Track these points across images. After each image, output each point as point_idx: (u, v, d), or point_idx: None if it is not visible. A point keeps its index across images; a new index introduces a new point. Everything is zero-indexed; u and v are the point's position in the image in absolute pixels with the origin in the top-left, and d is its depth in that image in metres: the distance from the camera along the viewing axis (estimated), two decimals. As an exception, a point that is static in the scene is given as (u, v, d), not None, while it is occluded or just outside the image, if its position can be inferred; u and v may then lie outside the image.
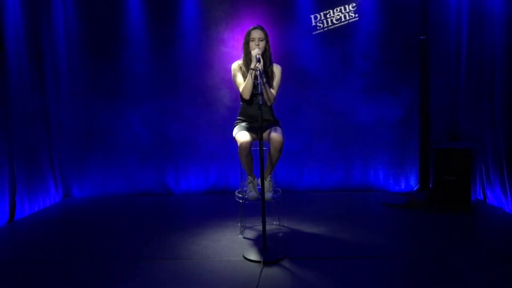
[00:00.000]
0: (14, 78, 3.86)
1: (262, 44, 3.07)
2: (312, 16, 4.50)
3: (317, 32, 4.52)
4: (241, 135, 2.98)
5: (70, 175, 4.67)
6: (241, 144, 2.92)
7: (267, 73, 3.13)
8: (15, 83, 3.87)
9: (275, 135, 2.96)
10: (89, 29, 4.54)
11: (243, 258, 2.73)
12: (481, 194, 4.14)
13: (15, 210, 3.74)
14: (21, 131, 3.95)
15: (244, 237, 3.17)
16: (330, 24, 4.49)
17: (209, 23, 4.57)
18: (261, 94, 2.73)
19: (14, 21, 3.88)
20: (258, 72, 2.84)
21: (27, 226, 3.65)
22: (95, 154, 4.67)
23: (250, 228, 3.39)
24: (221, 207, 4.12)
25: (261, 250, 2.76)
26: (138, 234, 3.32)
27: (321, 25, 4.50)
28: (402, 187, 4.62)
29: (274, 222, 3.39)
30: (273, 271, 2.53)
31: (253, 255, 2.72)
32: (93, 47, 4.56)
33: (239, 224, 3.30)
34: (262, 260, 2.61)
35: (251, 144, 2.98)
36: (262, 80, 2.89)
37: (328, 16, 4.48)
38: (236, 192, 3.27)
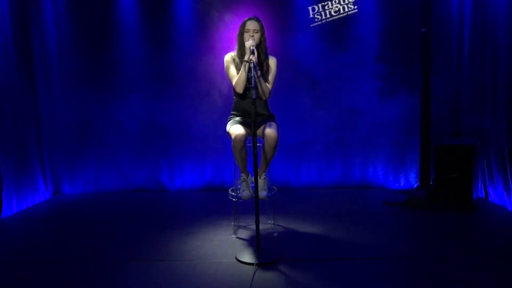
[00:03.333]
0: (2, 74, 3.73)
1: (257, 35, 2.94)
2: (310, 8, 4.36)
3: (315, 24, 4.38)
4: (235, 128, 2.86)
5: (61, 172, 4.55)
6: (235, 137, 2.79)
7: (262, 66, 3.00)
8: (2, 79, 3.74)
9: (270, 131, 2.83)
10: (80, 22, 4.39)
11: (235, 260, 2.61)
12: (483, 192, 4.03)
13: (1, 207, 3.60)
14: (9, 127, 3.82)
15: (237, 237, 3.05)
16: (328, 16, 4.35)
17: (204, 14, 4.43)
18: (255, 87, 2.60)
19: (1, 16, 3.76)
20: (252, 65, 2.71)
21: (14, 224, 3.54)
22: (87, 150, 4.55)
23: (244, 227, 3.27)
24: (216, 204, 4.00)
25: (255, 251, 2.64)
26: (129, 233, 3.21)
27: (319, 17, 4.35)
28: (402, 184, 4.50)
29: (269, 221, 3.27)
30: (266, 274, 2.41)
31: (246, 257, 2.60)
32: (84, 41, 4.41)
33: (232, 224, 3.18)
34: (255, 262, 2.50)
35: (245, 137, 2.85)
36: (256, 73, 2.77)
37: (326, 7, 4.33)
38: (229, 190, 3.15)
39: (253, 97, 2.54)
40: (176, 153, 4.59)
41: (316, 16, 4.36)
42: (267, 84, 2.99)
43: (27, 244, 3.05)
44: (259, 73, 2.87)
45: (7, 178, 3.73)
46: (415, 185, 4.33)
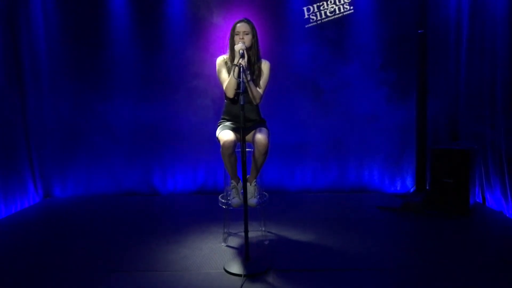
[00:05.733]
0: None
1: (247, 38, 2.85)
2: (305, 8, 4.27)
3: (310, 25, 4.29)
4: (224, 134, 2.77)
5: (51, 174, 4.47)
6: (224, 143, 2.71)
7: (253, 70, 2.91)
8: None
9: (260, 137, 2.75)
10: (70, 22, 4.30)
11: (223, 271, 2.53)
12: (480, 197, 3.95)
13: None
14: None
15: (227, 246, 2.97)
16: (324, 16, 4.26)
17: (197, 14, 4.33)
18: (244, 92, 2.52)
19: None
20: (241, 69, 2.62)
21: (2, 229, 3.45)
22: (78, 152, 4.46)
23: (235, 234, 3.19)
24: (207, 209, 3.91)
25: (244, 262, 2.56)
26: (116, 240, 3.13)
27: (314, 17, 4.27)
28: (398, 188, 4.43)
29: (261, 228, 3.19)
30: (254, 286, 2.33)
31: (234, 267, 2.52)
32: (74, 43, 4.32)
33: (223, 231, 3.10)
34: (243, 274, 2.42)
35: (235, 143, 2.77)
36: (246, 77, 2.68)
37: (321, 8, 4.24)
38: (219, 196, 3.07)
39: (241, 103, 2.45)
40: (168, 156, 4.51)
41: (311, 16, 4.27)
42: (258, 88, 2.90)
43: (12, 249, 2.98)
44: (249, 77, 2.78)
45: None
46: (412, 189, 4.25)
